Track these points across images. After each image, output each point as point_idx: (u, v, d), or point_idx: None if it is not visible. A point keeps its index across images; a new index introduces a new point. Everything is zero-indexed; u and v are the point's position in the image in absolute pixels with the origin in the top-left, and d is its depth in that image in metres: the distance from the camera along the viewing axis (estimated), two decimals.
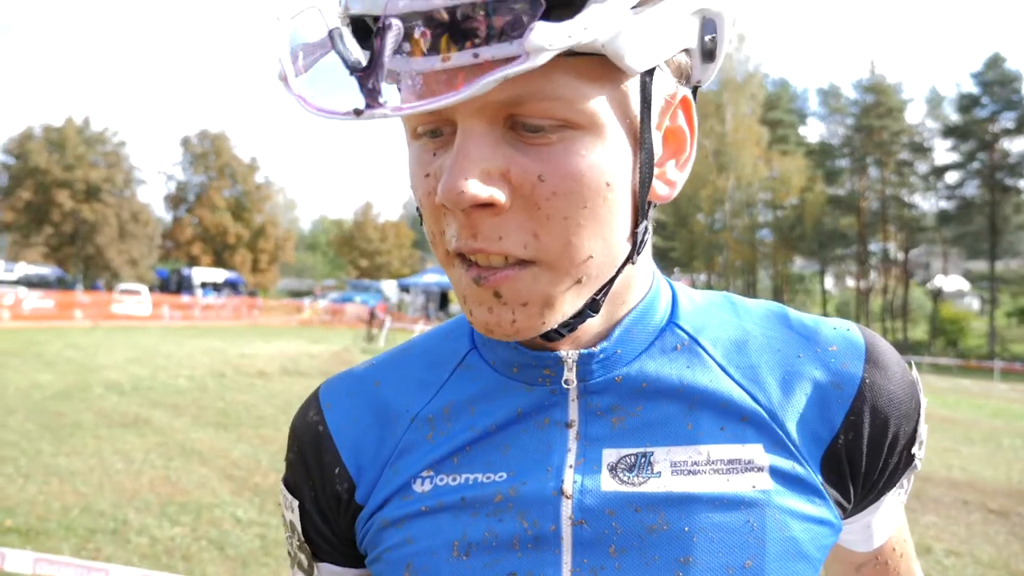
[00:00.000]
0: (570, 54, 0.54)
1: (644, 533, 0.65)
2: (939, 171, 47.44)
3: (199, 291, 41.14)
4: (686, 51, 0.64)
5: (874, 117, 46.05)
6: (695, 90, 0.69)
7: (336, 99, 0.55)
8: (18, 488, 6.26)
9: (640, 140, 0.61)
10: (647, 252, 0.70)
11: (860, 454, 0.69)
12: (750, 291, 48.95)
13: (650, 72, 0.60)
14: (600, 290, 0.65)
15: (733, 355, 0.71)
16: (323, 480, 0.76)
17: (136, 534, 5.26)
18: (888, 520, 0.79)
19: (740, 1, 0.68)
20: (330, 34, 0.55)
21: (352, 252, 63.62)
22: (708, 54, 0.66)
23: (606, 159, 0.59)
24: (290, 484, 0.80)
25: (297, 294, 58.31)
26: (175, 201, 55.06)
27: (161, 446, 7.92)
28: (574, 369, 0.68)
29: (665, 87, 0.63)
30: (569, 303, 0.62)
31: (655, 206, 0.67)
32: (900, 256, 48.13)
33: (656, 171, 0.64)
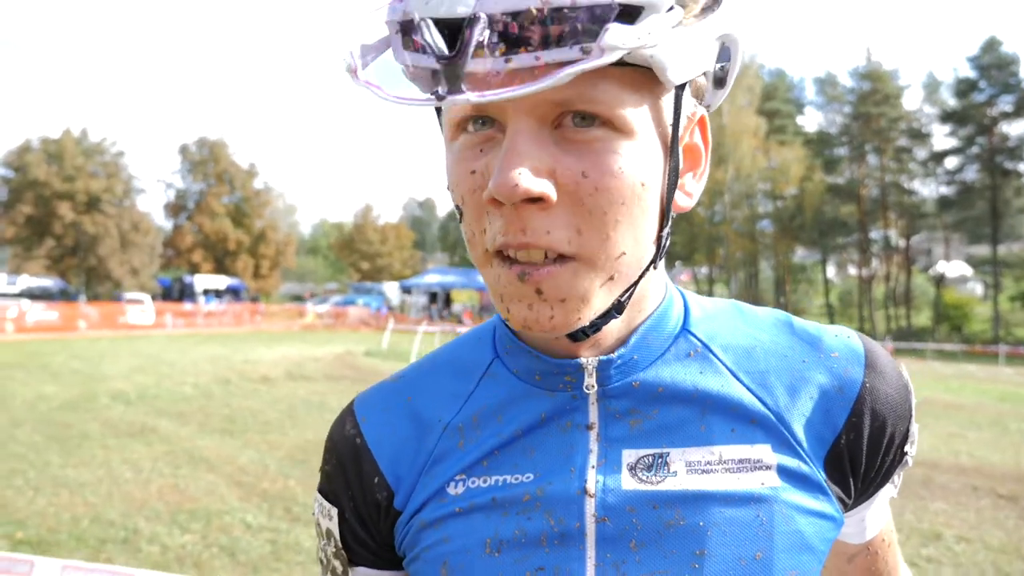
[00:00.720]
0: (617, 64, 0.59)
1: (662, 528, 0.69)
2: (938, 156, 47.36)
3: (201, 298, 41.20)
4: (704, 74, 0.70)
5: (871, 104, 45.98)
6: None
7: (401, 90, 0.61)
8: (28, 500, 6.26)
9: (670, 149, 0.67)
10: (663, 265, 0.75)
11: (860, 453, 0.74)
12: (752, 282, 48.93)
13: (682, 87, 0.66)
14: (626, 291, 0.69)
15: (743, 361, 0.76)
16: (363, 489, 0.80)
17: (147, 543, 5.27)
18: (880, 513, 0.85)
19: (749, 28, 0.73)
20: (415, 25, 0.59)
21: (353, 255, 63.68)
22: (719, 81, 0.73)
23: (641, 162, 0.63)
24: (328, 494, 0.84)
25: (299, 299, 58.28)
26: (175, 209, 55.12)
27: (168, 454, 7.93)
28: (594, 375, 0.73)
29: (688, 105, 0.69)
30: (601, 300, 0.67)
31: (674, 217, 0.72)
32: (901, 243, 48.10)
33: (679, 182, 0.70)
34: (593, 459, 0.72)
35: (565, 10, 0.56)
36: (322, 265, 78.37)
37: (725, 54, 0.71)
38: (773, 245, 48.25)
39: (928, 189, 49.49)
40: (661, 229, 0.69)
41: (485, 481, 0.75)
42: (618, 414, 0.73)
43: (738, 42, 0.70)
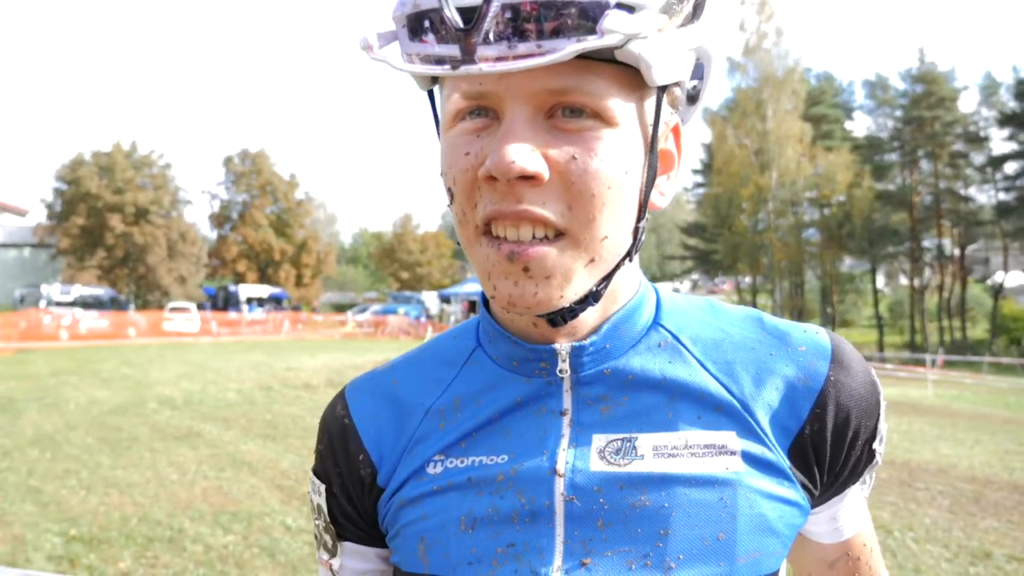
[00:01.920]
0: (609, 61, 0.66)
1: (628, 509, 0.72)
2: (996, 162, 45.16)
3: (245, 307, 41.80)
4: (679, 85, 0.74)
5: (925, 108, 44.21)
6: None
7: (416, 66, 0.68)
8: (81, 499, 6.47)
9: (650, 147, 0.72)
10: (637, 260, 0.80)
11: (824, 444, 0.77)
12: (797, 292, 47.79)
13: (663, 92, 0.71)
14: (603, 279, 0.73)
15: (711, 352, 0.79)
16: (349, 466, 0.85)
17: (191, 542, 5.40)
18: (853, 514, 0.87)
19: (720, 47, 0.77)
20: (428, 13, 0.66)
21: (393, 264, 63.98)
22: (692, 98, 0.78)
23: (625, 152, 0.69)
24: (319, 471, 0.89)
25: (340, 307, 58.80)
26: (219, 220, 55.96)
27: (213, 458, 8.09)
28: (567, 360, 0.77)
29: (666, 111, 0.74)
30: (582, 281, 0.71)
31: (648, 216, 0.76)
32: (956, 252, 46.30)
33: (655, 181, 0.74)
34: (564, 442, 0.75)
35: (568, 3, 0.62)
36: (362, 274, 78.94)
37: (699, 71, 0.76)
38: (819, 254, 46.84)
39: (985, 196, 47.39)
40: (638, 221, 0.74)
41: (462, 461, 0.78)
42: (590, 400, 0.77)
43: (712, 59, 0.76)
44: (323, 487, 0.87)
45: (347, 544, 0.88)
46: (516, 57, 0.62)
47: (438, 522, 0.77)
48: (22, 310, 30.57)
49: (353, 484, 0.85)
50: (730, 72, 43.98)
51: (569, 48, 0.61)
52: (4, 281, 47.94)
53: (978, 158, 45.99)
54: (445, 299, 44.11)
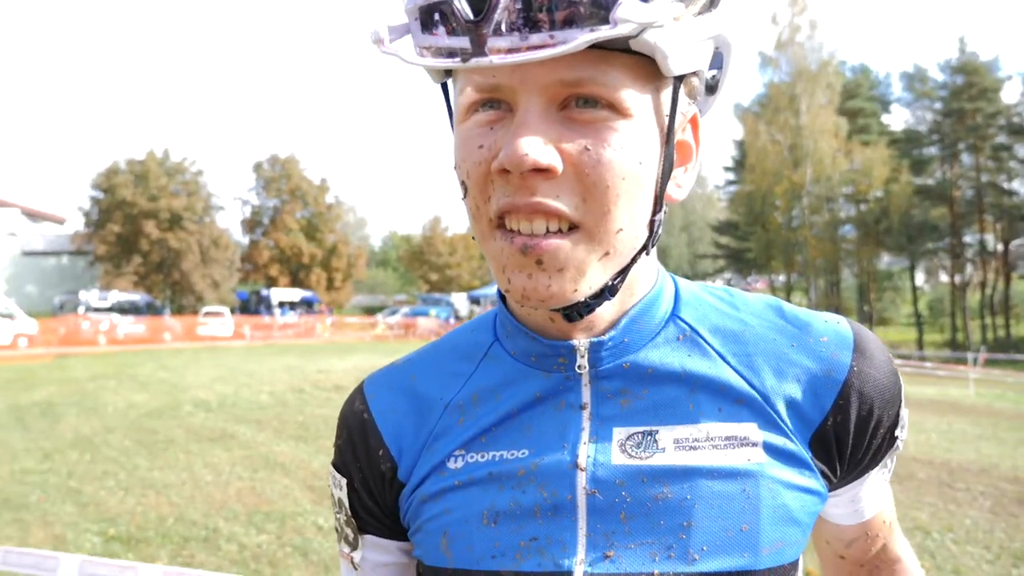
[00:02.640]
0: (624, 51, 0.65)
1: (650, 501, 0.72)
2: None
3: (277, 310, 42.17)
4: (697, 75, 0.73)
5: (965, 100, 42.97)
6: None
7: (426, 59, 0.67)
8: (119, 500, 6.58)
9: (666, 139, 0.71)
10: (654, 252, 0.79)
11: (847, 435, 0.77)
12: (833, 290, 47.12)
13: (679, 82, 0.70)
14: (619, 273, 0.73)
15: (731, 344, 0.79)
16: (369, 461, 0.85)
17: (226, 541, 5.46)
18: (874, 496, 0.87)
19: (745, 35, 0.76)
20: (439, 5, 0.65)
21: (422, 267, 64.14)
22: (710, 88, 0.76)
23: (640, 143, 0.68)
24: (339, 466, 0.89)
25: (370, 310, 59.08)
26: (251, 225, 56.43)
27: (246, 459, 8.17)
28: (586, 356, 0.77)
29: (683, 102, 0.73)
30: (597, 275, 0.70)
31: (666, 208, 0.75)
32: (999, 247, 45.24)
33: (671, 173, 0.73)
34: (585, 436, 0.75)
35: None
36: (392, 277, 79.25)
37: (717, 61, 0.75)
38: (856, 251, 46.10)
39: None
40: (655, 214, 0.73)
41: (483, 456, 0.78)
42: (609, 394, 0.77)
43: (731, 47, 0.74)
44: (344, 481, 0.87)
45: (368, 537, 0.88)
46: (528, 48, 0.61)
47: (461, 516, 0.77)
48: (61, 316, 31.04)
49: (373, 479, 0.85)
50: (762, 67, 43.60)
51: (581, 39, 0.59)
52: (44, 288, 48.79)
53: (1022, 151, 44.53)
54: (475, 300, 44.19)
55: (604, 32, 0.60)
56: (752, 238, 47.28)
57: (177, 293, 47.17)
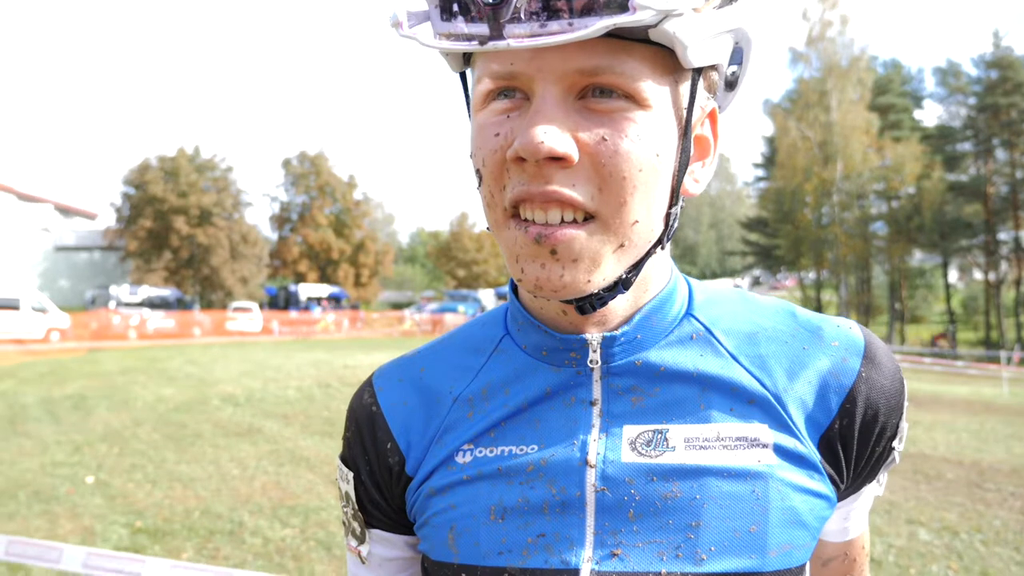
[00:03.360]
0: (643, 41, 0.65)
1: (659, 500, 0.72)
2: None
3: (306, 306, 42.43)
4: (716, 70, 0.73)
5: (1000, 95, 42.02)
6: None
7: (443, 42, 0.66)
8: (146, 493, 6.66)
9: (684, 132, 0.71)
10: (669, 249, 0.79)
11: (852, 440, 0.77)
12: (864, 288, 46.54)
13: (699, 74, 0.70)
14: (633, 266, 0.72)
15: (744, 345, 0.79)
16: (377, 454, 0.85)
17: (251, 535, 5.49)
18: (863, 514, 0.88)
19: (764, 29, 0.76)
20: None
21: (450, 263, 64.28)
22: (730, 84, 0.77)
23: (657, 134, 0.67)
24: (346, 459, 0.89)
25: (398, 306, 59.28)
26: (280, 221, 56.86)
27: (272, 454, 8.23)
28: (598, 350, 0.76)
29: (702, 96, 0.73)
30: (611, 266, 0.70)
31: (683, 202, 0.75)
32: None
33: (688, 167, 0.73)
34: (595, 433, 0.75)
35: None
36: (419, 273, 79.46)
37: (737, 57, 0.74)
38: (887, 248, 45.18)
39: None
40: (671, 207, 0.72)
41: (492, 451, 0.78)
42: (620, 391, 0.76)
43: (751, 42, 0.74)
44: (351, 475, 0.87)
45: (375, 531, 0.88)
46: (546, 36, 0.61)
47: (468, 511, 0.77)
48: (93, 311, 31.57)
49: (381, 472, 0.84)
50: (792, 62, 43.09)
51: (600, 24, 0.59)
52: (76, 283, 49.49)
53: None
54: (502, 296, 44.12)
55: (623, 18, 0.59)
56: (781, 235, 46.71)
57: (206, 288, 47.57)
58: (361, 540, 0.88)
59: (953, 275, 53.58)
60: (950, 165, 44.38)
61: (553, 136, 0.63)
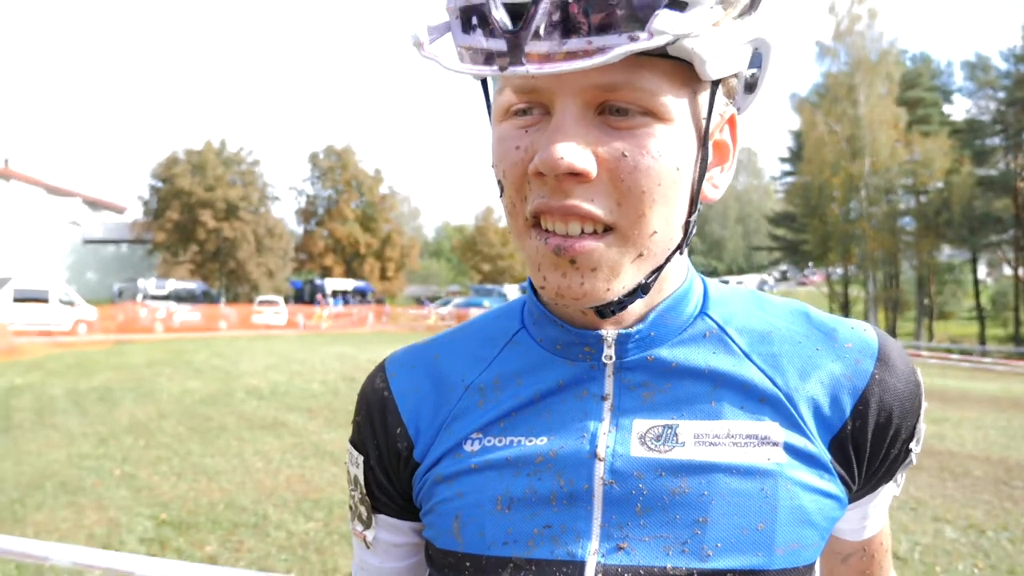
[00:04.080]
0: (661, 56, 0.65)
1: (667, 495, 0.72)
2: None
3: (331, 300, 42.66)
4: (736, 76, 0.73)
5: None
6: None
7: (464, 66, 0.67)
8: (171, 485, 6.69)
9: (703, 141, 0.71)
10: (685, 250, 0.79)
11: (866, 442, 0.76)
12: (892, 283, 46.16)
13: (717, 84, 0.70)
14: (652, 272, 0.73)
15: (757, 344, 0.79)
16: (386, 439, 0.85)
17: (275, 528, 5.51)
18: (880, 512, 0.87)
19: (780, 36, 0.75)
20: (478, 8, 0.65)
21: (475, 257, 64.40)
22: (750, 87, 0.76)
23: (677, 148, 0.68)
24: (356, 443, 0.89)
25: (422, 300, 59.49)
26: (306, 215, 57.24)
27: (297, 447, 8.25)
28: (613, 346, 0.77)
29: (720, 103, 0.73)
30: (630, 275, 0.71)
31: (701, 207, 0.75)
32: None
33: (706, 174, 0.74)
34: (605, 426, 0.75)
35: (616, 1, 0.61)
36: (445, 267, 79.66)
37: (757, 60, 0.74)
38: (915, 243, 44.67)
39: None
40: (690, 215, 0.73)
41: (501, 441, 0.78)
42: (632, 386, 0.77)
43: (771, 48, 0.74)
44: (361, 459, 0.87)
45: (381, 517, 0.88)
46: (566, 54, 0.62)
47: (474, 500, 0.77)
48: (120, 303, 31.92)
49: (390, 457, 0.84)
50: (820, 56, 42.80)
51: (617, 51, 0.59)
52: (103, 276, 50.10)
53: None
54: (526, 291, 44.10)
55: (640, 44, 0.59)
56: (809, 230, 46.59)
57: (232, 282, 48.00)
58: (367, 525, 0.89)
59: (982, 271, 53.28)
60: (979, 160, 43.94)
61: (572, 152, 0.64)
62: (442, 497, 0.79)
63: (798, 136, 49.36)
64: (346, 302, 43.86)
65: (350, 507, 0.92)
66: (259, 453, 7.93)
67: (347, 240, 55.12)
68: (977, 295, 47.41)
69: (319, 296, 42.74)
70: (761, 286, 71.05)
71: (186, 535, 5.33)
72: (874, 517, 0.86)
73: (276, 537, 5.32)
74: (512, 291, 46.94)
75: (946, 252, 50.13)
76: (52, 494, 6.39)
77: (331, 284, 44.83)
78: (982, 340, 42.64)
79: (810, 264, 55.39)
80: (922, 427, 0.81)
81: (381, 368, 0.89)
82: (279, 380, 13.76)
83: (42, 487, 6.60)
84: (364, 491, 0.87)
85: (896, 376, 0.77)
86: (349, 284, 46.12)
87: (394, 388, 0.86)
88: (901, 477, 0.85)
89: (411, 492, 0.84)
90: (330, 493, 6.42)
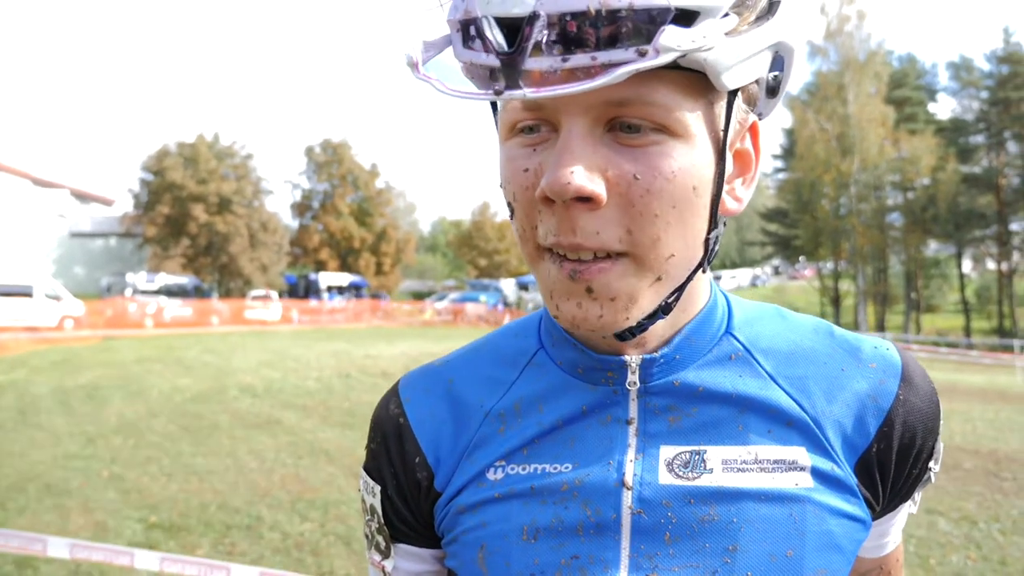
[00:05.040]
0: (673, 67, 0.61)
1: (696, 523, 0.71)
2: None
3: (325, 295, 42.55)
4: (756, 81, 0.70)
5: (1011, 89, 42.86)
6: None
7: (459, 86, 0.64)
8: (161, 486, 6.62)
9: (721, 153, 0.68)
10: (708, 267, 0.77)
11: (890, 463, 0.76)
12: (880, 277, 46.63)
13: (735, 93, 0.67)
14: (673, 293, 0.71)
15: (783, 366, 0.77)
16: (404, 468, 0.83)
17: (269, 529, 5.46)
18: (898, 530, 0.87)
19: (801, 38, 0.73)
20: (476, 22, 0.61)
21: (471, 252, 64.19)
22: (772, 90, 0.73)
23: (694, 166, 0.65)
24: (372, 471, 0.86)
25: (419, 295, 59.35)
26: (301, 209, 56.91)
27: (291, 446, 8.21)
28: (637, 372, 0.75)
29: (740, 111, 0.70)
30: (649, 300, 0.68)
31: (724, 221, 0.73)
32: None
33: (726, 187, 0.71)
34: (631, 453, 0.74)
35: (622, 12, 0.57)
36: (441, 262, 79.43)
37: (779, 63, 0.72)
38: (903, 238, 45.62)
39: None
40: (710, 232, 0.70)
41: (524, 469, 0.76)
42: (657, 410, 0.75)
43: (793, 51, 0.71)
44: (378, 488, 0.85)
45: (401, 546, 0.86)
46: (568, 72, 0.58)
47: (499, 530, 0.75)
48: (108, 298, 31.69)
49: (409, 487, 0.83)
50: (811, 56, 43.20)
51: (623, 70, 0.56)
52: (91, 270, 49.68)
53: None
54: (523, 286, 44.12)
55: (646, 63, 0.56)
56: (800, 225, 47.04)
57: (225, 277, 47.74)
58: (386, 555, 0.86)
59: (967, 265, 54.09)
60: (963, 157, 45.02)
61: (580, 176, 0.61)
62: (466, 527, 0.77)
63: (790, 133, 49.69)
64: (358, 296, 43.73)
65: (366, 535, 0.90)
66: (252, 452, 7.90)
67: (342, 235, 54.88)
68: (962, 289, 48.19)
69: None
70: (754, 281, 71.47)
71: (176, 538, 5.27)
72: (892, 535, 0.86)
73: (270, 539, 5.28)
74: (508, 286, 46.94)
75: (932, 247, 51.01)
76: (36, 497, 6.27)
77: (326, 279, 44.67)
78: (967, 333, 43.44)
79: (801, 259, 55.71)
80: (940, 445, 0.80)
81: (395, 392, 0.87)
82: (273, 377, 13.73)
83: (25, 490, 6.47)
84: (382, 520, 0.85)
85: (919, 396, 0.77)
86: (344, 279, 45.96)
87: (410, 414, 0.84)
88: (919, 496, 0.85)
89: (432, 521, 0.83)
90: (326, 493, 6.39)
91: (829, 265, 48.71)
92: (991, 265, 50.40)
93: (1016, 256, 45.72)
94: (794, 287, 64.25)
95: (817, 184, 42.34)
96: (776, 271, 79.73)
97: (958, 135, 46.17)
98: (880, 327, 44.17)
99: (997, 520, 5.86)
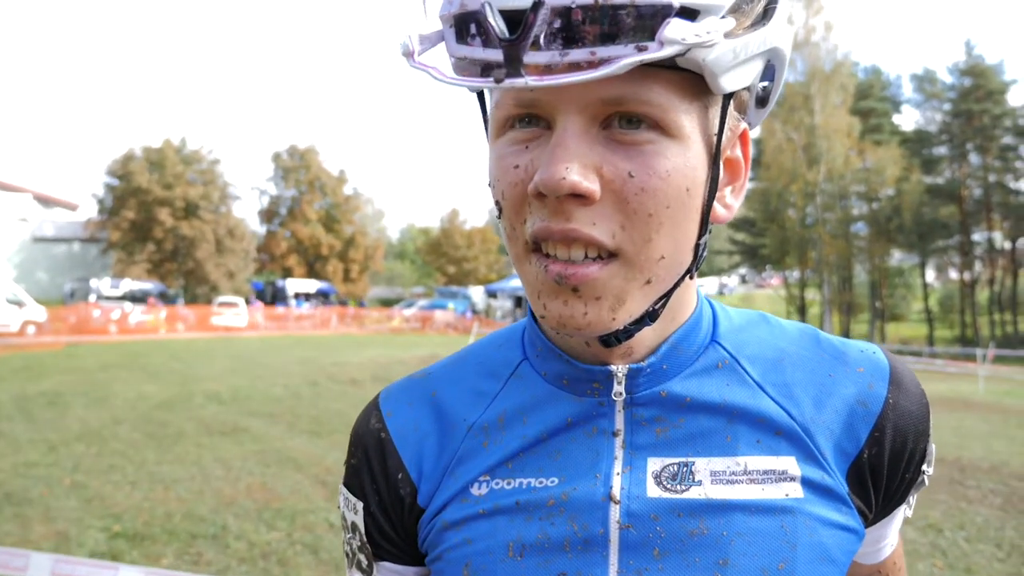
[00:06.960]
0: (671, 68, 0.61)
1: (686, 537, 0.69)
2: None
3: (292, 302, 42.22)
4: (748, 90, 0.70)
5: (973, 101, 44.03)
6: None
7: (458, 78, 0.64)
8: (125, 495, 6.49)
9: (714, 159, 0.68)
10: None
11: (882, 468, 0.75)
12: (846, 286, 47.36)
13: (729, 98, 0.66)
14: (660, 298, 0.70)
15: (770, 373, 0.76)
16: (387, 484, 0.81)
17: (235, 539, 5.39)
18: (894, 535, 0.86)
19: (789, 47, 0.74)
20: (474, 15, 0.61)
21: (440, 259, 64.18)
22: (761, 100, 0.72)
23: (687, 167, 0.64)
24: (353, 487, 0.83)
25: (388, 302, 59.11)
26: (268, 215, 56.57)
27: (258, 454, 8.11)
28: (623, 383, 0.73)
29: (732, 117, 0.69)
30: (637, 303, 0.67)
31: (711, 228, 0.72)
32: (1007, 245, 45.90)
33: (717, 193, 0.70)
34: (618, 466, 0.72)
35: (624, 7, 0.57)
36: (409, 269, 79.22)
37: (769, 73, 0.71)
38: (868, 248, 46.63)
39: None
40: (700, 237, 0.69)
41: (509, 483, 0.75)
42: (644, 421, 0.73)
43: (785, 60, 0.71)
44: (360, 505, 0.82)
45: (384, 564, 0.84)
46: (568, 65, 0.58)
47: (484, 547, 0.73)
48: (72, 304, 31.16)
49: (392, 503, 0.81)
50: None
51: (624, 61, 0.56)
52: (54, 275, 48.91)
53: None
54: (492, 294, 44.11)
55: (649, 55, 0.56)
56: (767, 234, 47.70)
57: (191, 283, 47.20)
58: (368, 573, 0.84)
59: (930, 274, 55.33)
60: (927, 168, 46.16)
61: (575, 172, 0.60)
62: (450, 544, 0.76)
63: (757, 143, 50.28)
64: (345, 304, 43.34)
65: (346, 554, 0.87)
66: (218, 460, 7.78)
67: (310, 241, 54.60)
68: (926, 298, 49.42)
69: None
70: (721, 289, 72.13)
71: (140, 547, 5.17)
72: (888, 540, 0.85)
73: (236, 548, 5.20)
74: (477, 293, 46.88)
75: (896, 257, 52.12)
76: None
77: (293, 285, 44.34)
78: (931, 342, 44.28)
79: (768, 268, 56.39)
80: (932, 448, 0.79)
81: (375, 406, 0.85)
82: (239, 384, 13.57)
83: None
84: (364, 538, 0.83)
85: (909, 399, 0.76)
86: (312, 285, 45.67)
87: (392, 428, 0.81)
88: (913, 499, 0.83)
89: (416, 538, 0.81)
90: (293, 502, 6.31)
91: (795, 274, 49.42)
92: (954, 275, 51.69)
93: (978, 266, 46.92)
94: (761, 296, 64.97)
95: (784, 194, 42.98)
96: (743, 280, 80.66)
97: (922, 146, 47.18)
98: (845, 335, 44.65)
99: (962, 528, 5.91)
